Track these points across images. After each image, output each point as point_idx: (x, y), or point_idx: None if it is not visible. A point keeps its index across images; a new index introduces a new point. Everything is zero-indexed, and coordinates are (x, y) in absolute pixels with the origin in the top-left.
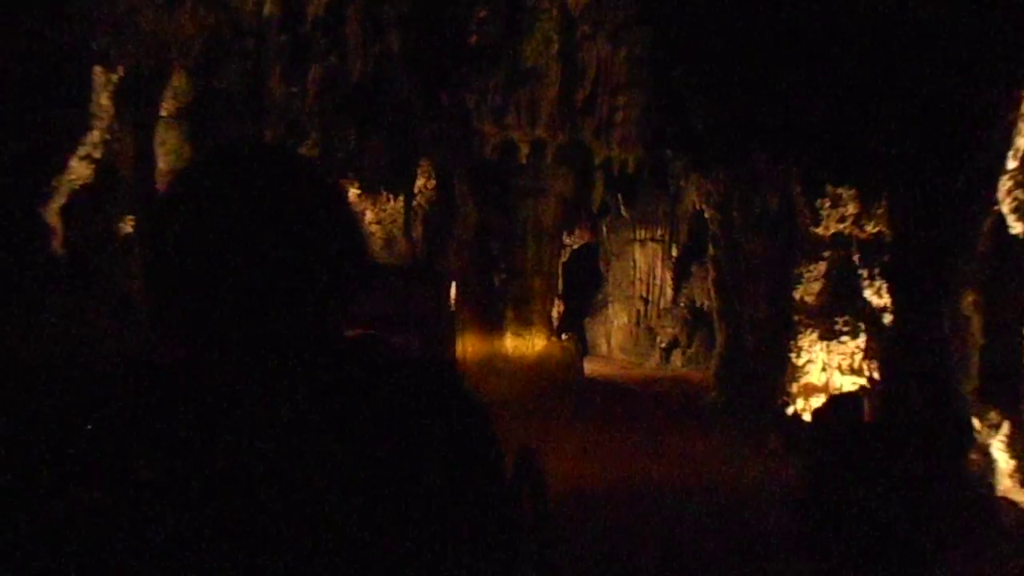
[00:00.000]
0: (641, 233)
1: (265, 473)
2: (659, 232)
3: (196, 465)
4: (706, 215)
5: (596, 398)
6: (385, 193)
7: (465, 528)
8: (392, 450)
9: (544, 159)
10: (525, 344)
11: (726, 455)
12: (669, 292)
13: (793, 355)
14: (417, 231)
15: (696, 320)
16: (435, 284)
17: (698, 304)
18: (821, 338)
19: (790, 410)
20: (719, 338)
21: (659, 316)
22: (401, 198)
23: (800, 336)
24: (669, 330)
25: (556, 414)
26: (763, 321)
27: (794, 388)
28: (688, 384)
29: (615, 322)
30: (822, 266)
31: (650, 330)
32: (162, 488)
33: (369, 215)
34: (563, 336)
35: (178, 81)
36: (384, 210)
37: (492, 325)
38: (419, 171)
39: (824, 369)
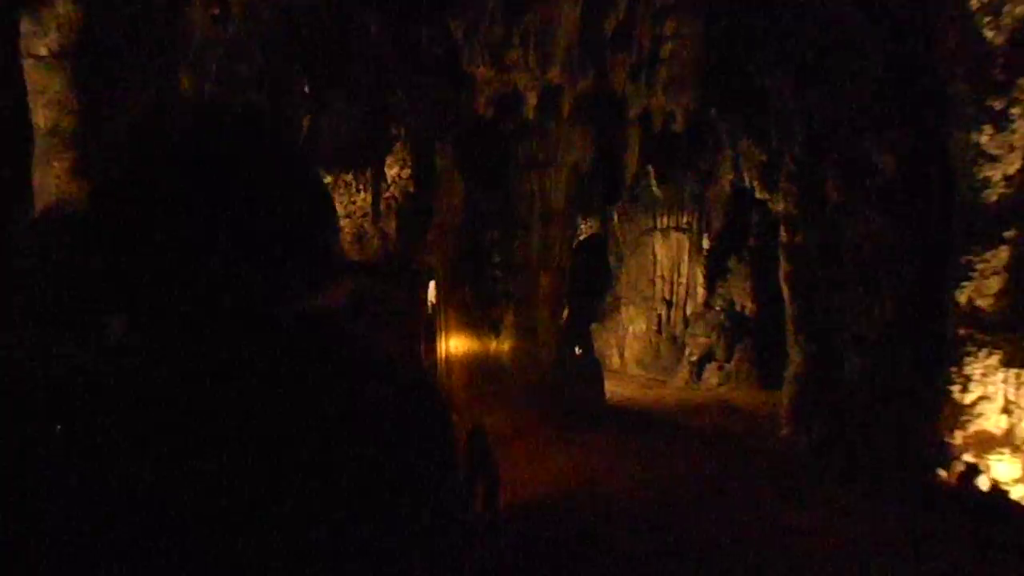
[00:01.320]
0: (663, 220)
1: (201, 448)
2: (685, 219)
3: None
4: (758, 192)
5: (626, 435)
6: (354, 183)
7: (400, 507)
8: (321, 429)
9: (557, 115)
10: (529, 358)
11: (860, 549)
12: (700, 292)
13: (956, 388)
14: (390, 226)
15: (736, 327)
16: (410, 283)
17: (738, 307)
18: (1005, 364)
19: (946, 472)
20: (795, 356)
21: (687, 323)
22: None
23: (967, 360)
24: (701, 340)
25: (577, 460)
26: (887, 335)
27: (958, 438)
28: (739, 413)
29: (630, 329)
30: (1003, 253)
31: (675, 340)
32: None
33: (337, 209)
34: (577, 349)
35: (63, 7)
36: (354, 202)
37: (485, 333)
38: (392, 155)
39: (1007, 411)
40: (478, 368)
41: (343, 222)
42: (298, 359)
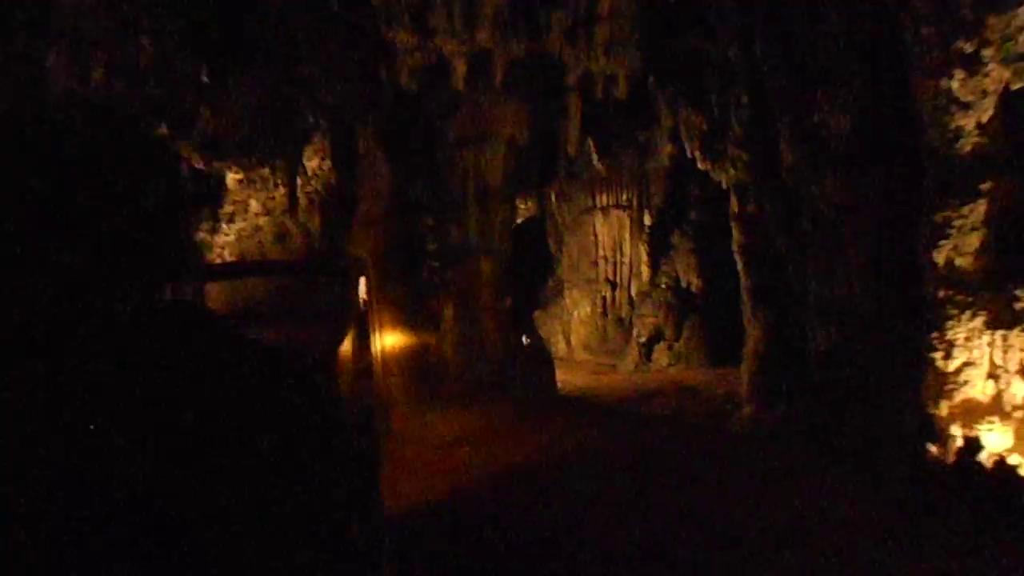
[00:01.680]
0: (602, 198)
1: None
2: (625, 196)
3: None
4: (700, 163)
5: (582, 427)
6: (272, 178)
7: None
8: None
9: (488, 85)
10: (474, 351)
11: (854, 543)
12: (644, 271)
13: (938, 355)
14: (314, 221)
15: (683, 305)
16: (339, 280)
17: (684, 284)
18: (989, 326)
19: (936, 446)
20: (753, 331)
21: (633, 303)
22: (297, 180)
23: (949, 324)
24: (649, 320)
25: (533, 464)
26: (856, 303)
27: (943, 409)
28: (696, 394)
29: (575, 314)
30: (981, 207)
31: (621, 322)
32: None
33: (255, 205)
34: (525, 338)
35: None
36: (273, 198)
37: (424, 328)
38: (311, 146)
39: (994, 376)
40: (419, 366)
41: (261, 220)
42: (138, 353)
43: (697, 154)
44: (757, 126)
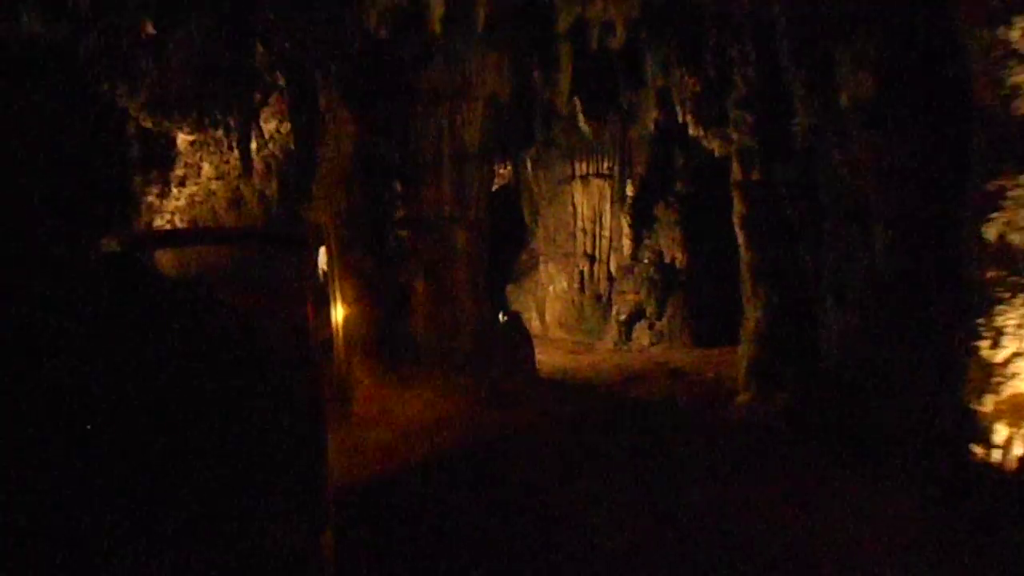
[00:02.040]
0: (582, 167)
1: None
2: (606, 165)
3: None
4: (692, 128)
5: (566, 413)
6: (226, 140)
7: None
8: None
9: (469, 32)
10: (447, 329)
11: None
12: (626, 245)
13: (984, 344)
14: (271, 187)
15: (667, 281)
16: (296, 250)
17: (668, 259)
18: None
19: (980, 447)
20: (754, 311)
21: (613, 278)
22: (253, 144)
23: (999, 308)
24: (629, 297)
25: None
26: (879, 283)
27: (988, 404)
28: (683, 378)
29: (550, 289)
30: None
31: (600, 298)
32: None
33: (207, 169)
34: (502, 315)
35: None
36: (226, 162)
37: (392, 303)
38: (268, 108)
39: None
40: (385, 345)
41: (214, 184)
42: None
43: (689, 119)
44: (764, 84)
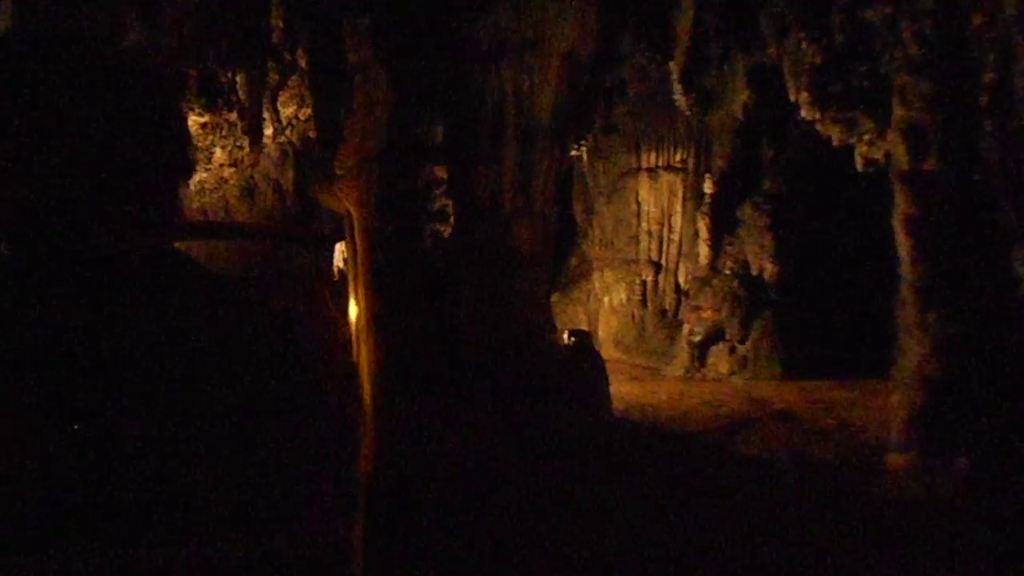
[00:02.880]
0: (649, 158)
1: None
2: (679, 155)
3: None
4: (806, 110)
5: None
6: (240, 123)
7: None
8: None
9: None
10: (500, 350)
11: None
12: (703, 252)
13: None
14: (287, 177)
15: (753, 296)
16: (313, 247)
17: (754, 270)
18: None
19: None
20: (919, 343)
21: (682, 291)
22: (269, 129)
23: None
24: (706, 314)
25: None
26: None
27: None
28: (796, 423)
29: (606, 301)
30: None
31: (665, 314)
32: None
33: (219, 154)
34: (568, 335)
35: None
36: (241, 147)
37: (426, 313)
38: (286, 91)
39: None
40: (417, 366)
41: (227, 172)
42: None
43: (803, 97)
44: (948, 42)
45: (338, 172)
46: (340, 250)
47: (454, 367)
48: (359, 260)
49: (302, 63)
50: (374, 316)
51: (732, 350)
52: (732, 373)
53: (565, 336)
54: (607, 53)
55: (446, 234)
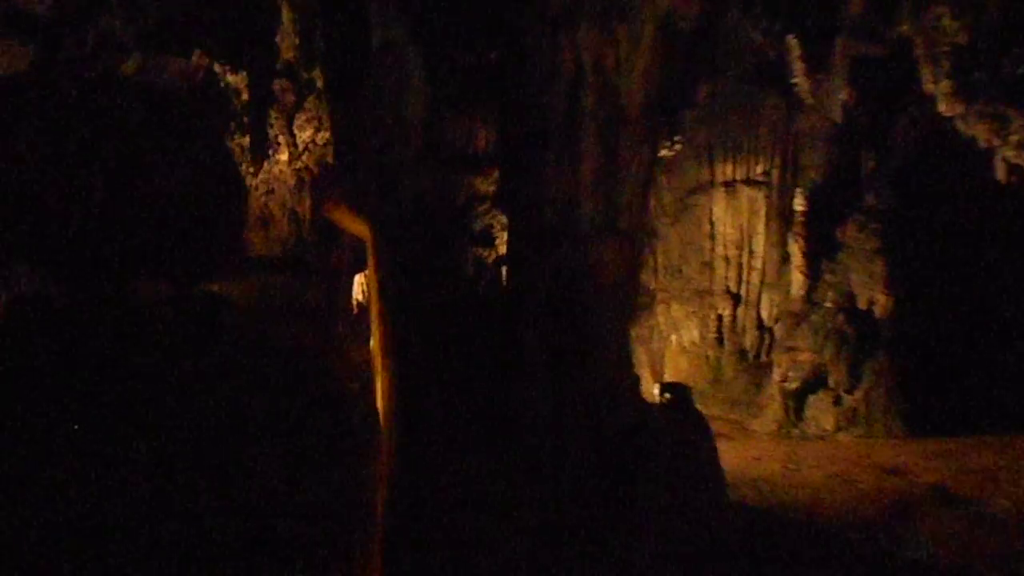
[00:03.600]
0: (725, 170)
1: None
2: (759, 168)
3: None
4: (945, 104)
5: None
6: (252, 146)
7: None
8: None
9: None
10: (568, 414)
11: None
12: (796, 281)
13: None
14: (303, 205)
15: (862, 335)
16: (328, 279)
17: (862, 303)
18: None
19: None
20: None
21: (765, 328)
22: (284, 155)
23: None
24: (803, 356)
25: None
26: None
27: None
28: (954, 503)
29: (673, 340)
30: None
31: (744, 354)
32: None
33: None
34: (659, 390)
35: None
36: (254, 172)
37: (470, 376)
38: (303, 113)
39: None
40: (454, 447)
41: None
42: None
43: (943, 86)
44: None
45: (360, 182)
46: (359, 282)
47: (511, 444)
48: (378, 295)
49: (319, 83)
50: (398, 373)
51: (837, 400)
52: (839, 429)
53: (655, 391)
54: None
55: (491, 261)
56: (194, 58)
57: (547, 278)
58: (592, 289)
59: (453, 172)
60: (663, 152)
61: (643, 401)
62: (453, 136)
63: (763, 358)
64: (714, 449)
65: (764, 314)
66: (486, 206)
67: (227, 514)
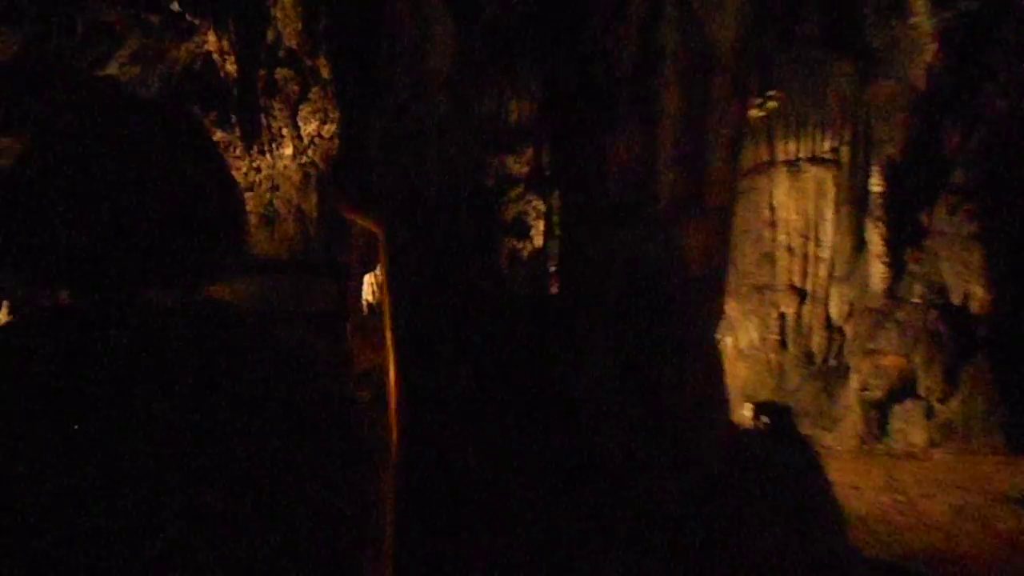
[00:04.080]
0: (787, 147)
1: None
2: (827, 143)
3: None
4: None
5: None
6: (258, 140)
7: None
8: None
9: None
10: (640, 445)
11: None
12: (878, 273)
13: None
14: (309, 202)
15: (958, 335)
16: (336, 278)
17: (956, 298)
18: None
19: None
20: None
21: (833, 327)
22: (288, 149)
23: None
24: (886, 360)
25: None
26: None
27: None
28: None
29: (729, 342)
30: None
31: (811, 358)
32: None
33: (235, 175)
34: (750, 413)
35: None
36: (256, 169)
37: (508, 383)
38: (308, 104)
39: None
40: (504, 448)
41: (244, 196)
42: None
43: None
44: None
45: (375, 160)
46: (369, 282)
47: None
48: (390, 296)
49: (324, 72)
50: (409, 381)
51: (929, 412)
52: (932, 444)
53: (746, 412)
54: None
55: (526, 254)
56: (191, 46)
57: (615, 272)
58: (677, 283)
59: (480, 147)
60: (752, 111)
61: (735, 426)
62: (480, 104)
63: (832, 362)
64: (828, 484)
65: (834, 312)
66: (519, 190)
67: (231, 520)
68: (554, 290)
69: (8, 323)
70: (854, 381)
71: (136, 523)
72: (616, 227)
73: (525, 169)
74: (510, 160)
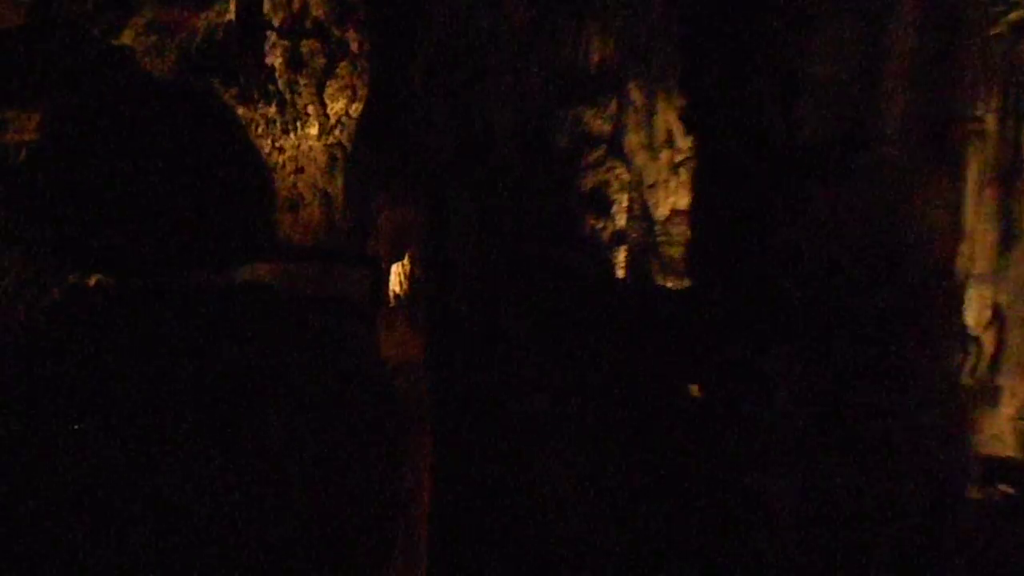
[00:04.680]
0: None
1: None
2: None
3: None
4: None
5: None
6: (279, 118)
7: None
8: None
9: None
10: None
11: None
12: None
13: None
14: (335, 185)
15: None
16: (367, 269)
17: None
18: None
19: None
20: None
21: (973, 339)
22: (314, 128)
23: None
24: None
25: None
26: None
27: None
28: None
29: None
30: None
31: (943, 375)
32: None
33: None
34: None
35: None
36: (280, 149)
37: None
38: (334, 80)
39: None
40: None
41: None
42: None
43: None
44: None
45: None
46: (396, 272)
47: None
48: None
49: (353, 45)
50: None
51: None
52: None
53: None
54: None
55: (606, 236)
56: (211, 15)
57: (807, 256)
58: (915, 267)
59: (559, 99)
60: (996, 29)
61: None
62: (555, 44)
63: (969, 380)
64: None
65: (971, 319)
66: (599, 153)
67: (264, 507)
68: (686, 283)
69: (56, 303)
70: (1006, 404)
71: (170, 500)
72: (807, 185)
73: (607, 127)
74: (589, 114)
